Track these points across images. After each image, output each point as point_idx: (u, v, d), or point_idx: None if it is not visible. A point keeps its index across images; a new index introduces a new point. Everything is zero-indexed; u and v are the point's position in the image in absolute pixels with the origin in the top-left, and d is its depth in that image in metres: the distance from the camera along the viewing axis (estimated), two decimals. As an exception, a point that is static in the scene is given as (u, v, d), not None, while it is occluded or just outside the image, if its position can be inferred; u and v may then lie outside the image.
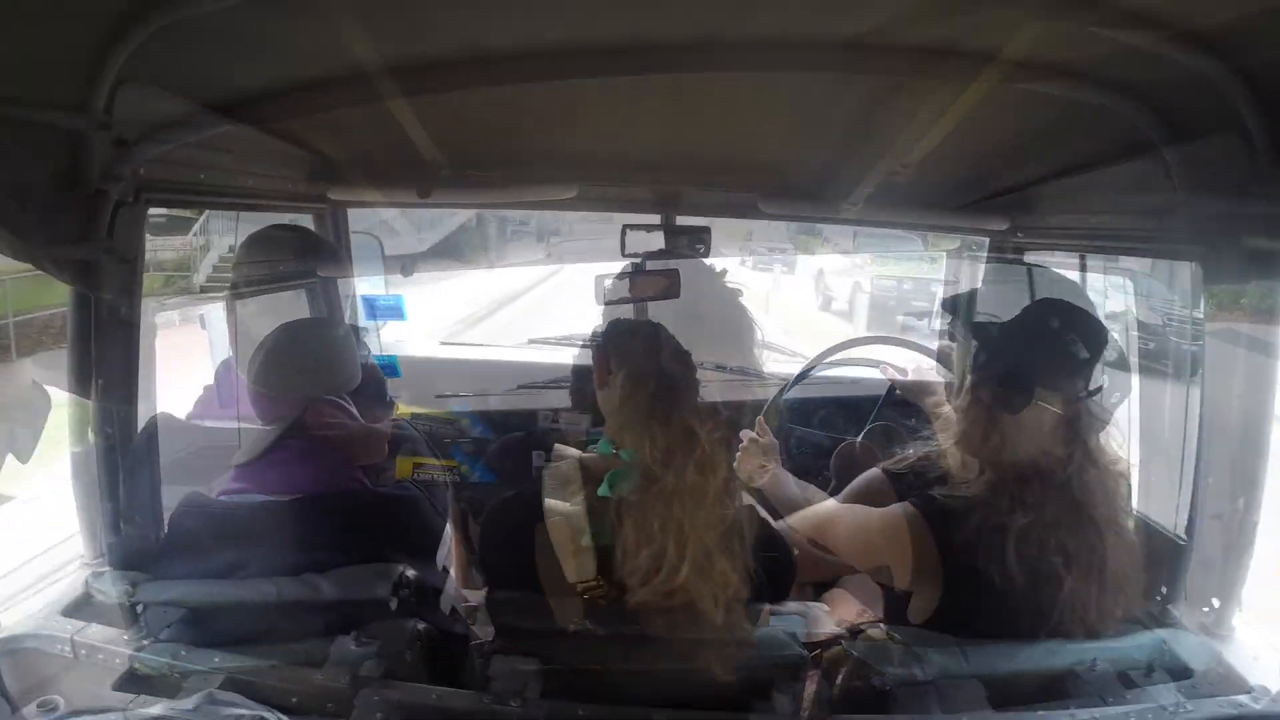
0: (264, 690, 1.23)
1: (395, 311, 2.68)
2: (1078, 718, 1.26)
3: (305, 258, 1.88)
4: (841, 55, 1.40)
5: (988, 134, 1.74)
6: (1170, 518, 1.63)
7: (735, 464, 1.38)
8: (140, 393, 1.53)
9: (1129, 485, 1.48)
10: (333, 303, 2.46)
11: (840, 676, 1.34)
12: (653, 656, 1.33)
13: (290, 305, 1.89)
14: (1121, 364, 1.46)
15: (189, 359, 2.19)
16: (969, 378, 1.54)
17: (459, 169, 2.12)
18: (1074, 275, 2.06)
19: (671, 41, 1.41)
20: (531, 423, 2.53)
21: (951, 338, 1.66)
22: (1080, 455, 1.42)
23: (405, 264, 2.87)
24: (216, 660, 1.28)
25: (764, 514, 1.50)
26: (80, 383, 1.43)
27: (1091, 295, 1.66)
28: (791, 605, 1.47)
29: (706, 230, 2.19)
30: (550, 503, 1.36)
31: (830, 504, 1.74)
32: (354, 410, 1.70)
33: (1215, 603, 1.52)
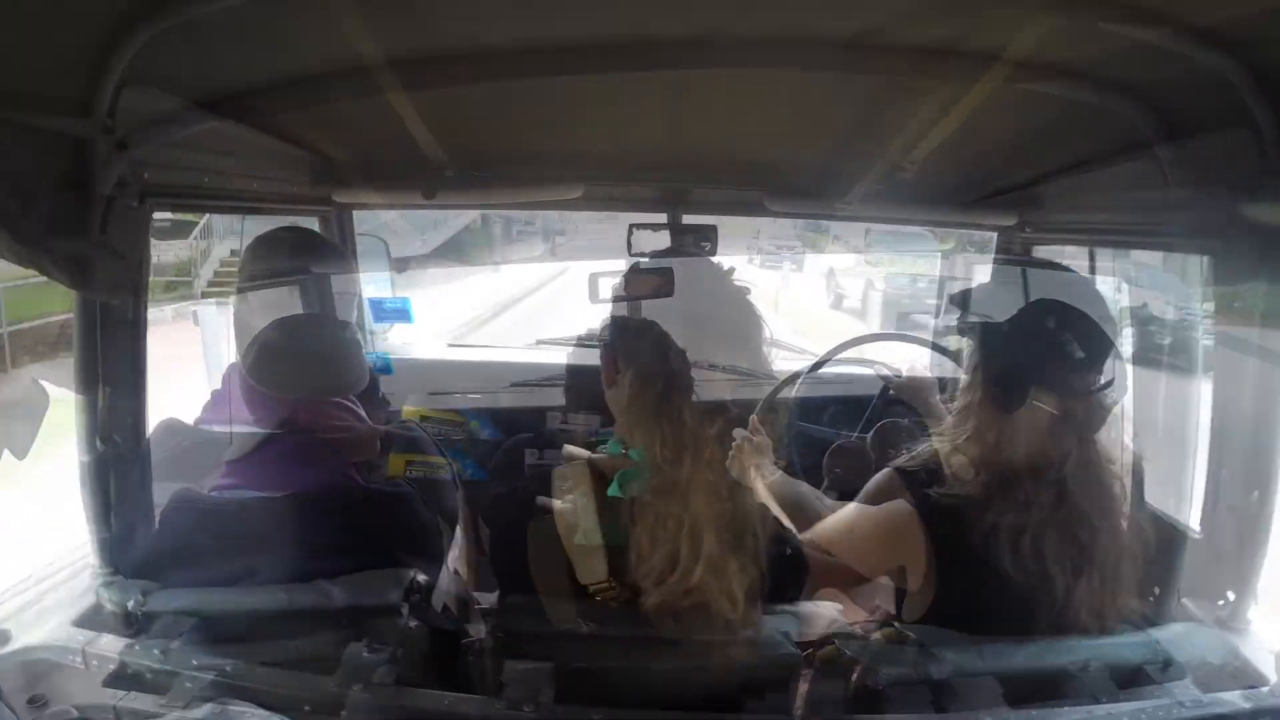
0: (276, 698, 1.22)
1: (402, 314, 2.68)
2: (1093, 714, 1.24)
3: (311, 259, 1.88)
4: (846, 54, 1.39)
5: (995, 130, 1.73)
6: (1184, 511, 1.62)
7: (728, 463, 1.38)
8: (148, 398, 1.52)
9: (1134, 482, 1.47)
10: (337, 303, 2.46)
11: (834, 676, 1.33)
12: (667, 658, 1.32)
13: (294, 306, 1.89)
14: (1121, 362, 1.45)
15: (181, 352, 2.19)
16: (964, 377, 1.54)
17: (464, 170, 2.12)
18: (1083, 270, 2.05)
19: (676, 38, 1.41)
20: (540, 423, 2.53)
21: (960, 333, 1.66)
22: (1077, 454, 1.41)
23: (399, 263, 2.87)
24: (228, 669, 1.27)
25: (777, 511, 1.50)
26: (87, 389, 1.42)
27: (1101, 290, 1.64)
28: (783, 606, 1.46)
29: (713, 228, 2.19)
30: (560, 504, 1.35)
31: (826, 503, 1.74)
32: (362, 412, 1.69)
33: (1230, 596, 1.51)
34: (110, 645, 1.32)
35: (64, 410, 1.39)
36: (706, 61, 1.42)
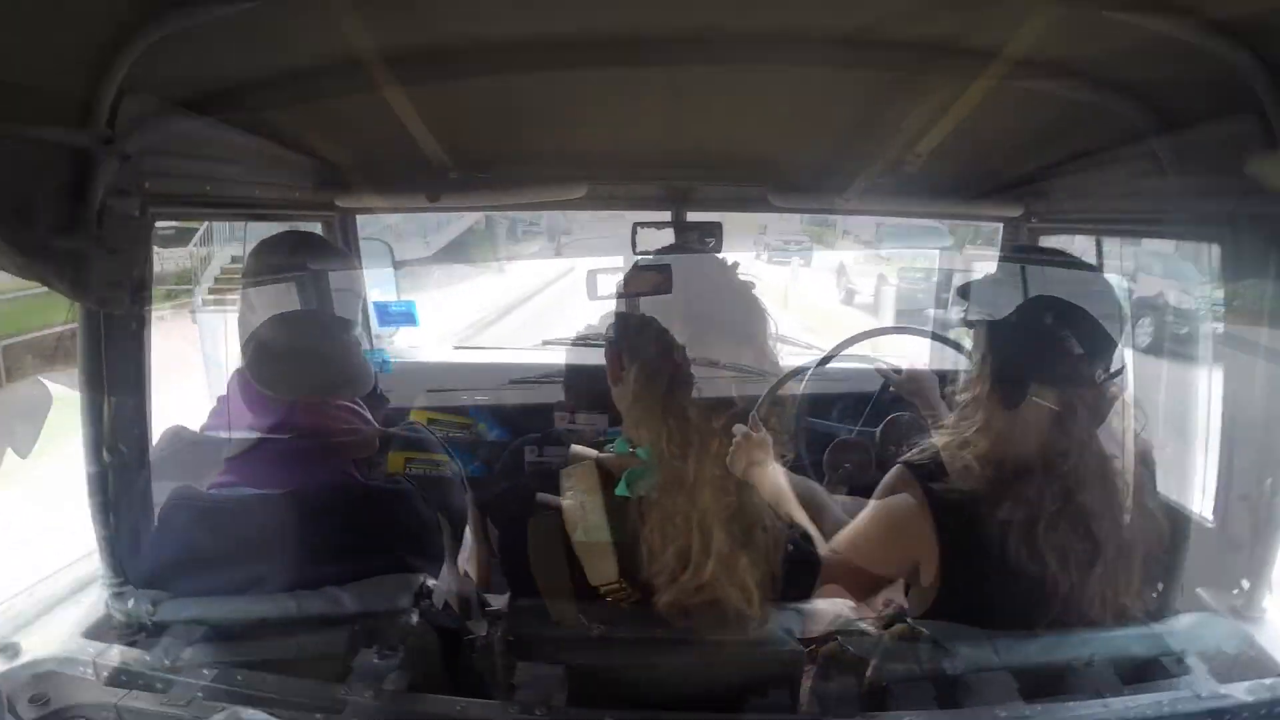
0: (288, 706, 1.22)
1: (407, 317, 2.68)
2: (1109, 705, 1.24)
3: (315, 262, 1.87)
4: (848, 50, 1.39)
5: (1000, 122, 1.72)
6: (1197, 500, 1.61)
7: (729, 460, 1.37)
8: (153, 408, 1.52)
9: (1146, 473, 1.47)
10: (340, 306, 2.45)
11: (837, 672, 1.33)
12: (680, 657, 1.32)
13: (297, 308, 1.89)
14: (1121, 356, 1.45)
15: (181, 348, 2.19)
16: (963, 375, 1.55)
17: (467, 172, 2.11)
18: (1090, 260, 2.04)
19: (678, 35, 1.40)
20: (548, 424, 2.53)
21: (966, 325, 1.65)
22: (1085, 447, 1.41)
23: (397, 262, 2.87)
24: (240, 677, 1.27)
25: (780, 507, 1.49)
26: (91, 400, 1.42)
27: (1107, 280, 1.63)
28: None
29: (718, 225, 2.18)
30: (567, 504, 1.35)
31: (825, 498, 1.74)
32: (368, 414, 1.69)
33: (1245, 585, 1.50)
34: (121, 656, 1.32)
35: (64, 411, 1.39)
36: (708, 58, 1.42)
